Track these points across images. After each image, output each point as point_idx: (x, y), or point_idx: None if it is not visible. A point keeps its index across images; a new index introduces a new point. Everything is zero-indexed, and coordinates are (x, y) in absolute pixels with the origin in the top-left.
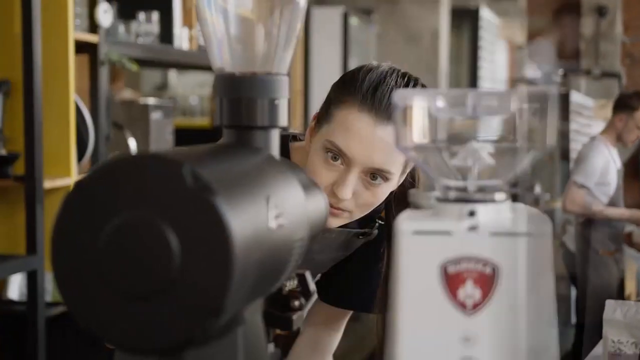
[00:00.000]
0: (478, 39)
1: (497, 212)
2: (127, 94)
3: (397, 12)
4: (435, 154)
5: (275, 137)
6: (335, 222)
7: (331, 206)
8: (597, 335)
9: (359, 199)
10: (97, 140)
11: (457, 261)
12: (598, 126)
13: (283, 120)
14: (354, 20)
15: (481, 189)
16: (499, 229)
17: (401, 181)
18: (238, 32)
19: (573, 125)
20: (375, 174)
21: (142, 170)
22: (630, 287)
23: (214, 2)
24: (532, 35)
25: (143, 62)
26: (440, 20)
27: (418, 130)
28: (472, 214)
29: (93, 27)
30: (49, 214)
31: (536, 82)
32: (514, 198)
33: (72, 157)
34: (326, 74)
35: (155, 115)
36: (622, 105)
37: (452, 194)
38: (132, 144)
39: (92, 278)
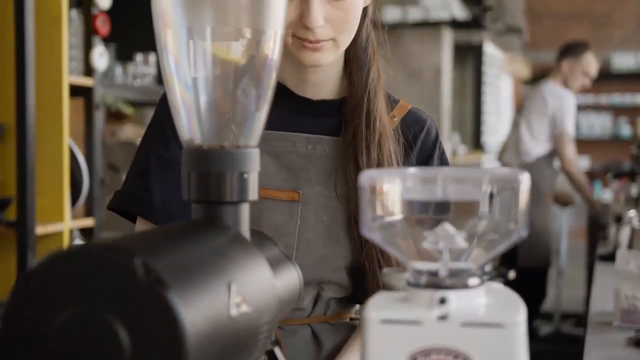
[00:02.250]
0: (482, 75)
1: (470, 299)
2: (129, 130)
3: (399, 49)
4: (405, 236)
5: (245, 211)
6: (323, 57)
7: (310, 41)
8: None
9: (334, 21)
10: (91, 184)
11: (426, 352)
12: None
13: (253, 194)
14: None
15: (454, 274)
16: (470, 318)
17: None
18: (207, 102)
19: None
20: None
21: (93, 261)
22: None
23: (182, 71)
24: (536, 69)
25: (141, 103)
26: (443, 57)
27: (387, 212)
28: (442, 301)
29: (89, 69)
30: None
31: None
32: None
33: (66, 202)
34: None
35: None
36: (568, 51)
37: (423, 279)
38: None
39: None
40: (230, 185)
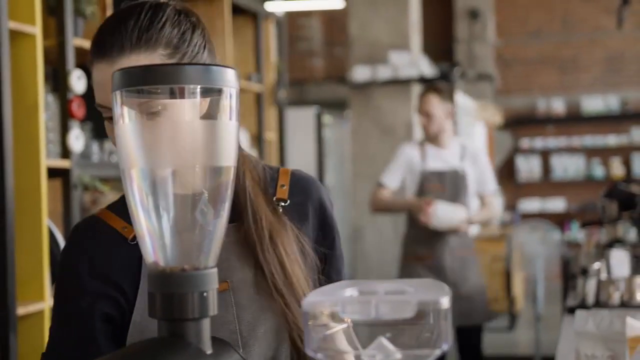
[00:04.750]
0: (455, 124)
1: None
2: (112, 198)
3: (370, 107)
4: (345, 352)
5: (205, 325)
6: None
7: None
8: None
9: None
10: None
11: None
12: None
13: (213, 309)
14: (327, 119)
15: None
16: None
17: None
18: (168, 229)
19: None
20: None
21: None
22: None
23: (145, 204)
24: (508, 115)
25: (118, 178)
26: (414, 112)
27: (327, 331)
28: None
29: (65, 151)
30: (22, 341)
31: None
32: None
33: (45, 281)
34: None
35: None
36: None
37: None
38: None
39: None
40: (191, 304)
